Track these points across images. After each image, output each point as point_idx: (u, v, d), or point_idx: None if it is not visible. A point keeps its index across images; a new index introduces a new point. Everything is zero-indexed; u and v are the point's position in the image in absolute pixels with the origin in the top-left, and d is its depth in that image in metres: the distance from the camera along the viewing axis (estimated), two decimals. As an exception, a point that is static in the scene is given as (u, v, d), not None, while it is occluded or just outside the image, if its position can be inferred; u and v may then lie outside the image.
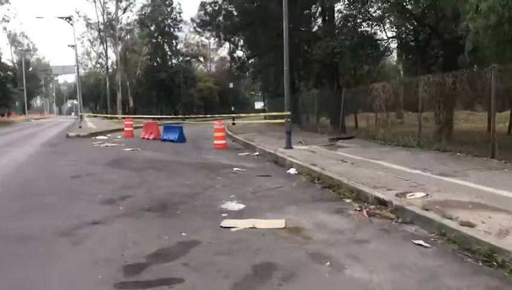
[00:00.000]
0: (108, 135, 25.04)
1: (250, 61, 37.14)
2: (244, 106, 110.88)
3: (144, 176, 9.34)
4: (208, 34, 36.21)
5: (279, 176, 9.23)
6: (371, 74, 33.81)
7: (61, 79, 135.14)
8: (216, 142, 16.28)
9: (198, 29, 33.54)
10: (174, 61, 60.69)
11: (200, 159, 12.78)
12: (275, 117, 17.90)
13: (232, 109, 39.20)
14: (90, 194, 7.50)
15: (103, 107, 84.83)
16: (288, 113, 13.16)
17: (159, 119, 35.49)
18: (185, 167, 10.88)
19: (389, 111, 14.49)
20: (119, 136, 23.37)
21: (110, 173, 9.99)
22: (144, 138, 22.00)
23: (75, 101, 66.63)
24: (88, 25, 62.70)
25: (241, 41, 32.75)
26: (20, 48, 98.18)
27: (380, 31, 25.15)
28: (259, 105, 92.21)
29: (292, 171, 9.68)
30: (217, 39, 34.36)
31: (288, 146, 13.10)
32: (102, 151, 15.29)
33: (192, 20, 33.31)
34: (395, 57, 36.27)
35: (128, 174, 9.75)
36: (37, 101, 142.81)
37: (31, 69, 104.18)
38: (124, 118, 29.65)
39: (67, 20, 30.81)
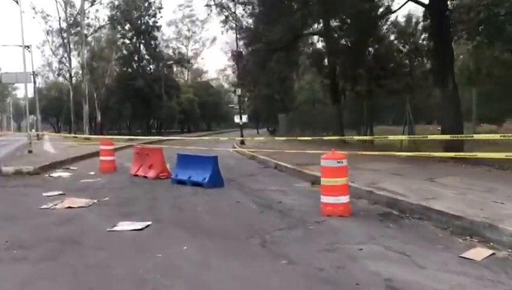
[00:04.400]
0: (74, 168, 15.38)
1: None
2: (224, 120, 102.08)
3: None
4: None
5: None
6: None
7: (20, 93, 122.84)
8: (329, 199, 6.92)
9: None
10: (152, 66, 50.72)
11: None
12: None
13: (240, 122, 29.75)
14: None
15: (66, 122, 74.22)
16: None
17: (131, 139, 26.17)
18: None
19: None
20: (93, 172, 13.70)
21: None
22: (136, 175, 12.50)
23: (35, 117, 55.59)
24: (49, 31, 52.28)
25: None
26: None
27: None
28: (239, 119, 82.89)
29: None
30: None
31: None
32: (55, 246, 5.59)
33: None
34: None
35: None
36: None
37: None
38: (100, 138, 20.15)
39: (11, -5, 20.93)
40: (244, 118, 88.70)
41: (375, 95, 21.07)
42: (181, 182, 10.70)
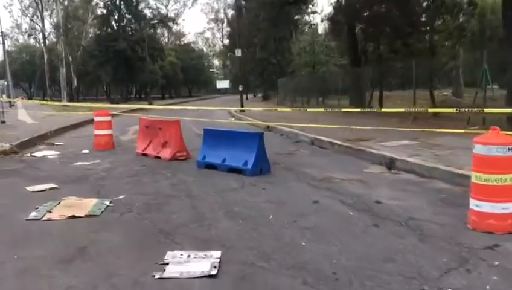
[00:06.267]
0: (59, 143, 12.64)
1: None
2: (205, 86, 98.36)
3: None
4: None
5: None
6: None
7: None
8: (490, 207, 4.44)
9: None
10: (133, 26, 46.67)
11: None
12: None
13: (240, 88, 26.75)
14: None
15: (40, 88, 69.77)
16: None
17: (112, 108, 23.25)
18: None
19: None
20: (86, 150, 10.96)
21: None
22: (144, 155, 9.84)
23: (5, 82, 51.24)
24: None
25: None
26: None
27: None
28: (222, 84, 79.09)
29: None
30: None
31: None
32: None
33: None
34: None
35: None
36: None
37: None
38: (79, 106, 17.36)
39: None
40: (226, 84, 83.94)
41: (401, 55, 18.60)
42: (210, 166, 8.10)
